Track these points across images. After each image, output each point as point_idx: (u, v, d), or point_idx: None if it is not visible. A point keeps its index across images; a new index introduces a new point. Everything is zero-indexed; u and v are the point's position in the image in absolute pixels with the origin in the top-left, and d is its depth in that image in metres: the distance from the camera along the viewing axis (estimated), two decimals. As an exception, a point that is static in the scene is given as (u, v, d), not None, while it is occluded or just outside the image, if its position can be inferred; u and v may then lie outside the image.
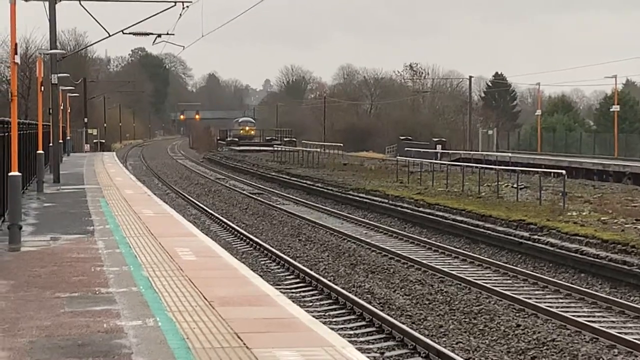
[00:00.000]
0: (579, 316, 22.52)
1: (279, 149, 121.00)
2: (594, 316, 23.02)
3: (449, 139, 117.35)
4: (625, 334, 20.61)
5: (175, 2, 45.98)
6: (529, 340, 20.32)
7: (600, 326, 21.30)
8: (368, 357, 14.02)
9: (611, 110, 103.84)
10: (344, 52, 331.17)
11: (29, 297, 16.59)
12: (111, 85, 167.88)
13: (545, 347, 19.64)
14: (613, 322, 22.40)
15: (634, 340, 19.78)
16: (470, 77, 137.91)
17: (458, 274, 28.72)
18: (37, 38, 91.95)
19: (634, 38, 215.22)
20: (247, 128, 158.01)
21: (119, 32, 51.79)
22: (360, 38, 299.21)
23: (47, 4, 48.74)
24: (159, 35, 52.66)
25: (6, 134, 27.37)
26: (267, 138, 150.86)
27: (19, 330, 13.75)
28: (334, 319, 21.92)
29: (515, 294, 25.50)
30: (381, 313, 22.25)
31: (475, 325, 22.08)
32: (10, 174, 25.26)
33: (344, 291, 25.10)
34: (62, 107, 72.91)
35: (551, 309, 23.12)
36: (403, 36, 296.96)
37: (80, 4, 46.37)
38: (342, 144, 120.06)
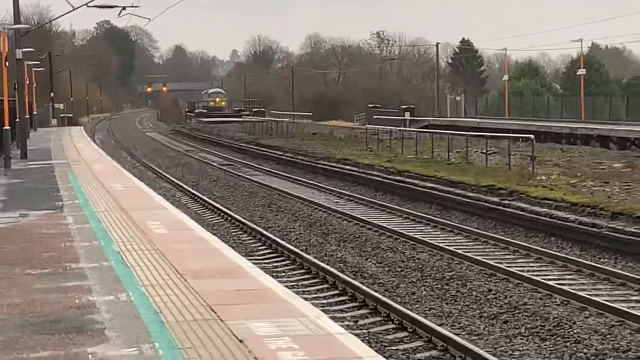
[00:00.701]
0: (549, 279, 22.66)
1: (248, 119, 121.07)
2: (564, 279, 23.15)
3: (417, 106, 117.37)
4: (596, 295, 20.75)
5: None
6: (500, 305, 20.43)
7: (571, 289, 21.45)
8: (342, 325, 14.05)
9: (577, 73, 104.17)
10: (312, 20, 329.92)
11: (1, 273, 16.59)
12: (77, 59, 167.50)
13: (517, 311, 19.74)
14: (583, 284, 22.53)
15: (605, 302, 19.90)
16: (438, 43, 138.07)
17: (429, 241, 28.82)
18: (0, 12, 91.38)
19: (599, 1, 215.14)
20: (217, 99, 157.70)
21: (84, 5, 51.68)
22: (329, 5, 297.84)
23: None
24: (124, 8, 52.53)
25: None
26: (235, 109, 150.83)
27: (-7, 307, 13.76)
28: (307, 289, 21.97)
29: (486, 259, 25.62)
30: (354, 281, 22.32)
31: (447, 291, 22.17)
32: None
33: (316, 261, 25.15)
34: (27, 82, 72.42)
35: (522, 273, 23.26)
36: (371, 3, 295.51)
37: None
38: (311, 113, 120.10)
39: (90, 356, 11.02)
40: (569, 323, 18.47)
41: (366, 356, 11.00)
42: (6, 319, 13.01)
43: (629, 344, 16.73)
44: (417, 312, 19.44)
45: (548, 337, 17.79)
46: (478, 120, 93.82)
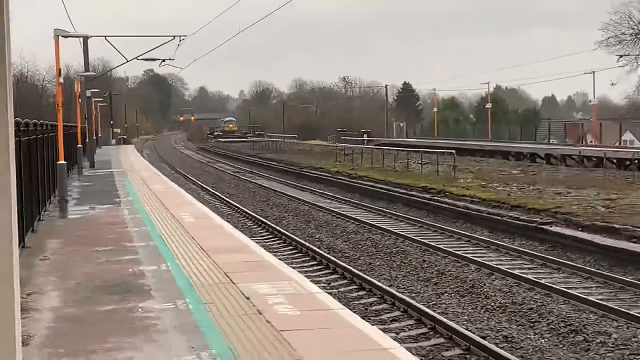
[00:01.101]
0: (467, 253, 22.67)
1: (252, 140, 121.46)
2: (477, 253, 23.13)
3: (372, 130, 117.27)
4: (500, 264, 20.80)
5: (174, 37, 45.80)
6: (432, 272, 20.47)
7: (482, 260, 21.50)
8: (319, 286, 14.12)
9: (486, 107, 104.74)
10: (297, 68, 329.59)
11: (75, 251, 16.60)
12: (130, 97, 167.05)
13: (443, 276, 19.79)
14: (491, 257, 22.53)
15: (506, 269, 20.02)
16: (386, 85, 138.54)
17: (381, 226, 28.77)
18: (75, 63, 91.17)
19: (504, 54, 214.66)
20: (230, 125, 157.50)
21: (134, 58, 51.49)
22: (309, 57, 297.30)
23: (81, 39, 48.37)
24: (163, 60, 52.31)
25: (54, 134, 27.38)
26: (243, 132, 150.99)
27: (68, 276, 13.78)
28: (295, 261, 21.87)
29: (422, 239, 25.54)
30: (328, 255, 22.36)
31: (394, 261, 22.21)
32: (58, 162, 25.38)
33: (301, 240, 25.11)
34: (94, 114, 72.45)
35: (447, 249, 23.23)
36: (338, 55, 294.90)
37: (106, 39, 46.04)
38: (296, 135, 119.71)
39: (140, 309, 11.07)
40: (480, 284, 18.56)
41: (336, 308, 11.08)
42: (81, 283, 13.08)
43: (523, 299, 16.82)
44: (372, 277, 19.48)
45: (466, 294, 17.87)
46: (415, 140, 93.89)
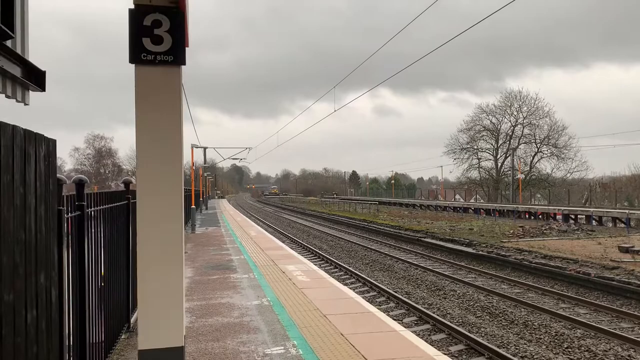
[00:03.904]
0: (383, 250, 22.21)
1: (283, 196, 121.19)
2: (388, 251, 22.65)
3: (338, 192, 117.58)
4: (400, 256, 20.39)
5: (246, 148, 46.09)
6: (367, 260, 20.02)
7: (391, 254, 21.04)
8: (315, 265, 13.87)
9: (392, 182, 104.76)
10: (299, 163, 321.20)
11: (199, 249, 16.32)
12: (224, 176, 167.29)
13: (376, 263, 19.41)
14: (396, 253, 22.11)
15: (404, 259, 19.62)
16: (345, 171, 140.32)
17: (343, 237, 28.19)
18: (200, 159, 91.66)
19: (398, 159, 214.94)
20: (275, 190, 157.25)
21: (227, 158, 51.83)
22: (304, 159, 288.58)
23: (201, 149, 48.42)
24: (240, 160, 52.53)
25: (187, 194, 26.99)
26: (279, 194, 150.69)
27: (196, 261, 13.51)
28: (306, 254, 21.51)
29: (361, 242, 25.14)
30: (319, 251, 21.80)
31: (349, 254, 21.72)
32: (191, 206, 25.01)
33: (306, 244, 24.54)
34: (206, 184, 72.41)
35: (375, 249, 22.73)
36: (321, 159, 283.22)
37: (213, 149, 46.24)
38: (302, 194, 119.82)
39: (232, 277, 10.78)
40: (392, 267, 18.23)
41: (329, 277, 10.78)
42: (201, 264, 12.78)
43: (412, 274, 16.52)
44: (337, 259, 19.08)
45: (385, 270, 17.50)
46: (358, 197, 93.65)
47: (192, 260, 13.68)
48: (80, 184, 4.53)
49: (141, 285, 2.88)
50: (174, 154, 2.78)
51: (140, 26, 2.62)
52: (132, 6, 2.60)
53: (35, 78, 3.31)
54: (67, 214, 4.02)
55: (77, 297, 4.13)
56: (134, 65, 2.66)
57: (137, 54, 2.66)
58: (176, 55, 2.70)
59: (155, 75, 2.71)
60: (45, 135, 2.56)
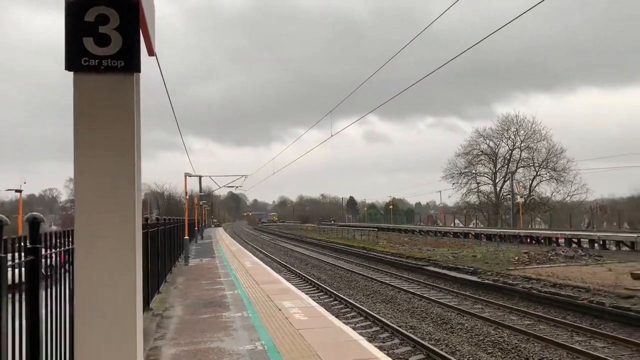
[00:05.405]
0: (384, 280, 21.33)
1: (280, 224, 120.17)
2: (389, 280, 21.86)
3: (336, 219, 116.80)
4: (402, 286, 19.54)
5: (242, 176, 45.54)
6: (363, 287, 19.24)
7: (393, 284, 20.21)
8: (314, 298, 13.05)
9: (390, 207, 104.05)
10: (297, 189, 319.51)
11: (191, 283, 15.50)
12: (220, 203, 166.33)
13: (378, 293, 18.58)
14: (397, 282, 21.33)
15: (406, 289, 18.82)
16: (342, 197, 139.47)
17: (339, 264, 27.42)
18: (196, 188, 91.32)
19: (397, 185, 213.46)
20: (273, 217, 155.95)
21: (223, 186, 51.24)
22: (300, 185, 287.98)
23: (197, 178, 47.82)
24: (236, 187, 51.98)
25: (180, 224, 26.20)
26: (278, 221, 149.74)
27: (187, 297, 12.70)
28: (305, 286, 20.70)
29: (360, 271, 24.19)
30: (318, 282, 20.87)
31: (349, 284, 20.83)
32: (184, 237, 24.22)
33: (303, 274, 23.63)
34: (202, 212, 71.66)
35: (374, 277, 21.87)
36: (316, 185, 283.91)
37: (208, 177, 45.81)
38: (300, 221, 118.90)
39: (224, 315, 10.01)
40: (394, 298, 17.41)
41: (328, 314, 9.99)
42: (193, 301, 11.99)
43: (416, 305, 15.73)
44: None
45: (388, 302, 16.69)
46: (356, 223, 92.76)
47: (183, 296, 12.86)
48: (34, 223, 3.84)
49: None
50: (125, 191, 2.09)
51: (80, 22, 1.97)
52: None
53: None
54: (16, 260, 3.35)
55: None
56: (72, 73, 2.00)
57: (77, 59, 2.00)
58: (128, 59, 2.05)
59: (100, 86, 2.05)
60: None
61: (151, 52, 2.50)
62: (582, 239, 35.33)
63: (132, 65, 2.09)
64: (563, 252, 24.67)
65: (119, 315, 2.08)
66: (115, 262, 2.09)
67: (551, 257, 22.83)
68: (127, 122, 2.08)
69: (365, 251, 34.63)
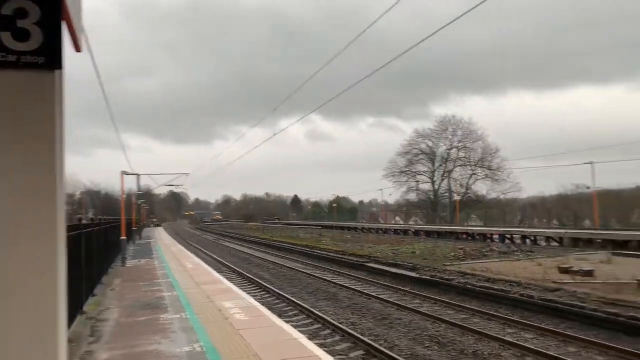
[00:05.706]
0: (326, 277, 21.52)
1: (224, 223, 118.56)
2: (331, 278, 22.08)
3: (280, 217, 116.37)
4: (344, 283, 19.80)
5: (183, 174, 44.73)
6: (313, 287, 19.43)
7: (334, 281, 20.43)
8: (257, 301, 12.98)
9: (333, 205, 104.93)
10: (242, 188, 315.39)
11: (128, 285, 15.04)
12: (160, 203, 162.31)
13: (320, 291, 18.69)
14: (339, 279, 21.55)
15: (348, 286, 19.06)
16: (287, 196, 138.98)
17: (286, 264, 27.47)
18: (134, 186, 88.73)
19: (339, 184, 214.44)
20: (217, 216, 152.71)
21: (162, 185, 50.02)
22: (243, 184, 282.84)
23: (135, 177, 46.45)
24: (177, 185, 50.98)
25: (117, 224, 25.36)
26: (220, 220, 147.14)
27: (124, 299, 12.31)
28: (248, 285, 20.56)
29: (304, 269, 24.35)
30: (260, 281, 20.87)
31: (292, 282, 20.86)
32: (121, 237, 23.39)
33: (246, 273, 23.56)
34: (141, 212, 69.54)
35: (317, 275, 22.11)
36: (261, 184, 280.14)
37: (147, 176, 44.48)
38: (244, 219, 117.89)
39: (162, 317, 9.77)
40: (337, 295, 17.60)
41: (270, 314, 9.98)
42: (129, 303, 11.63)
43: (357, 301, 15.95)
44: (273, 286, 18.29)
45: (330, 299, 16.82)
46: (300, 221, 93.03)
47: (120, 298, 12.45)
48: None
49: None
50: (47, 192, 2.00)
51: (-4, 15, 1.89)
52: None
53: None
54: None
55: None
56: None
57: (-8, 54, 1.91)
58: (50, 55, 1.97)
59: (20, 83, 1.96)
60: None
61: (78, 48, 2.41)
62: (514, 235, 37.00)
63: (53, 61, 2.01)
64: (497, 248, 25.76)
65: (37, 325, 1.98)
66: (34, 266, 1.99)
67: (485, 253, 23.77)
68: (49, 120, 2.00)
69: (309, 249, 34.78)
